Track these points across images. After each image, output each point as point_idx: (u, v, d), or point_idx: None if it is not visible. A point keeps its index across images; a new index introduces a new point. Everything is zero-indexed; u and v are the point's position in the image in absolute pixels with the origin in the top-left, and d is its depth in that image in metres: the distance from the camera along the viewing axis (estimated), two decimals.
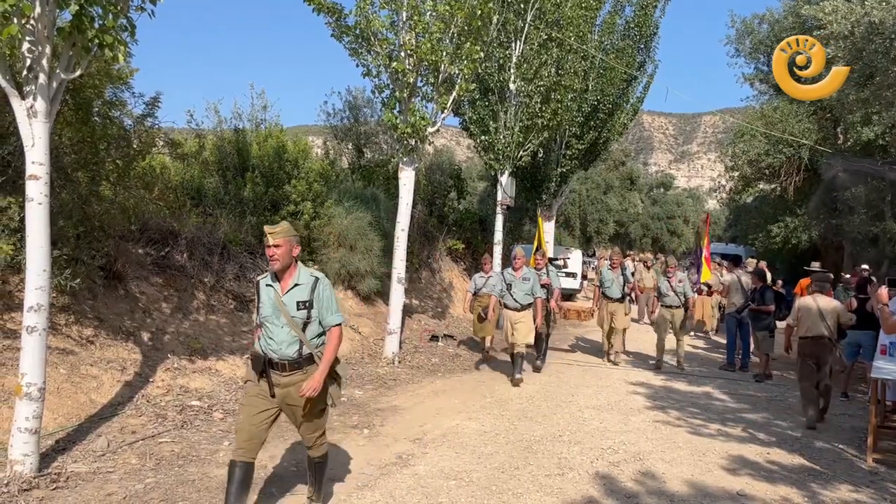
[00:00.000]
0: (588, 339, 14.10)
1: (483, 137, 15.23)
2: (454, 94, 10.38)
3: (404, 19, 9.82)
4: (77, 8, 4.70)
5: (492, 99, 15.14)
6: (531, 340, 9.55)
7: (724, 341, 12.48)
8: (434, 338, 12.52)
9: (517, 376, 9.18)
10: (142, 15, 5.26)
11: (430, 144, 11.43)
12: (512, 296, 9.46)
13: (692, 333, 15.89)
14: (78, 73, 5.06)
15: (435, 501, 4.88)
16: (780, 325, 11.28)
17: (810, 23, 13.66)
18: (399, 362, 10.36)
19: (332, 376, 4.29)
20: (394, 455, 5.92)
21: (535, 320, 9.55)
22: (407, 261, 11.09)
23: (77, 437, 5.74)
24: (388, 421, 7.11)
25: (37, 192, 4.82)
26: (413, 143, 10.34)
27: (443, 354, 11.49)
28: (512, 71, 14.85)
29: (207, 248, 9.77)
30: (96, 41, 4.84)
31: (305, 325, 4.17)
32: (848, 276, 13.13)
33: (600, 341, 12.17)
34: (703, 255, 14.43)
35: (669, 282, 11.33)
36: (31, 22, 4.63)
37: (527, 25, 14.58)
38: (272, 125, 13.71)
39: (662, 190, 49.73)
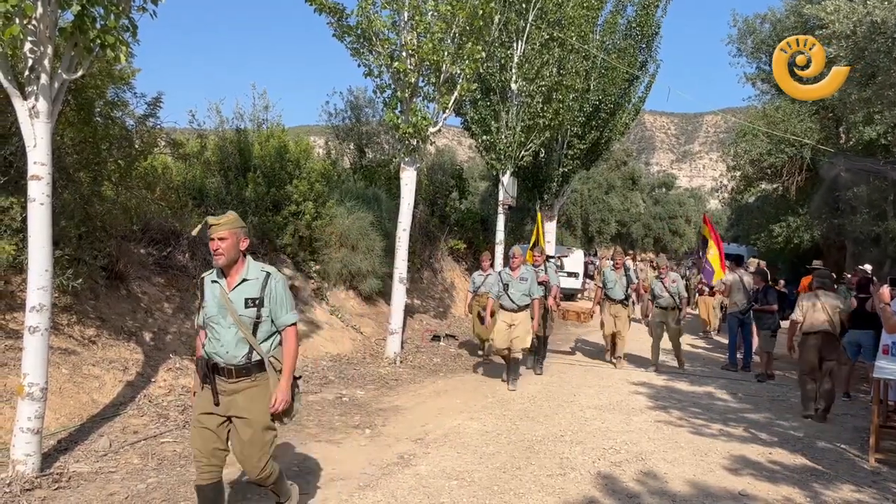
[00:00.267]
0: (589, 341, 13.94)
1: (485, 137, 15.23)
2: (456, 93, 10.38)
3: (406, 19, 9.82)
4: (79, 8, 4.70)
5: (493, 99, 15.14)
6: (528, 344, 9.17)
7: (726, 341, 12.49)
8: (436, 338, 12.53)
9: (510, 385, 8.96)
10: (143, 15, 5.26)
11: (431, 144, 11.44)
12: (509, 296, 9.10)
13: (700, 333, 15.91)
14: (80, 73, 5.06)
15: (437, 501, 4.88)
16: (784, 324, 11.26)
17: (812, 22, 13.66)
18: (401, 362, 10.37)
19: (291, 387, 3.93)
20: (395, 455, 5.92)
21: (533, 320, 9.21)
22: (409, 261, 11.09)
23: (79, 436, 5.74)
24: (390, 421, 7.11)
25: (39, 192, 4.82)
26: (415, 143, 10.34)
27: (444, 354, 11.49)
28: (514, 71, 14.84)
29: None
30: (98, 41, 4.84)
31: (255, 325, 3.82)
32: (849, 275, 13.12)
33: (601, 343, 12.00)
34: (711, 255, 14.34)
35: (662, 282, 11.06)
36: (33, 22, 4.64)
37: (528, 25, 14.57)
38: (274, 125, 13.71)
39: (664, 190, 49.70)
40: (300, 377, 4.04)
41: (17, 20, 4.50)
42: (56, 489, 4.72)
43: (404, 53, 9.84)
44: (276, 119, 14.07)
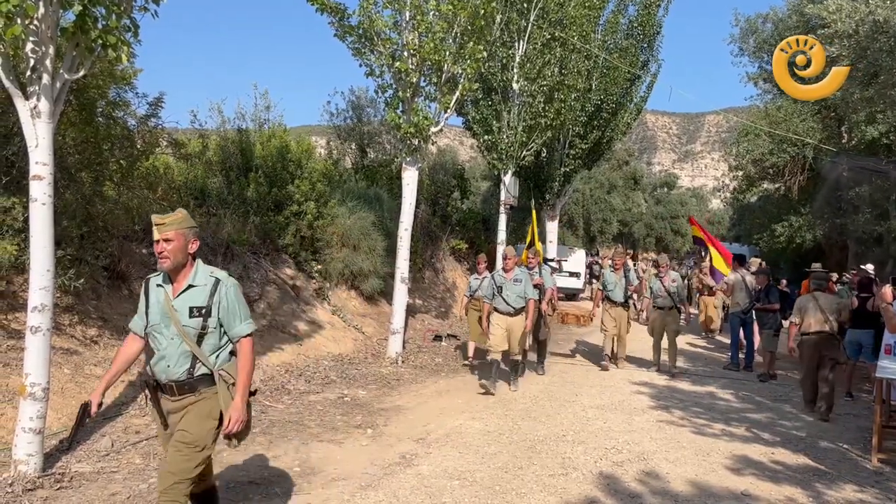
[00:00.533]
0: (589, 343, 13.72)
1: (486, 137, 15.22)
2: (457, 93, 10.38)
3: (407, 19, 9.82)
4: (80, 8, 4.71)
5: (495, 98, 15.13)
6: (526, 345, 9.07)
7: (728, 341, 12.47)
8: (437, 337, 12.53)
9: (512, 387, 8.82)
10: (145, 15, 5.27)
11: (433, 144, 11.44)
12: (503, 299, 8.75)
13: (702, 333, 15.88)
14: (81, 73, 5.07)
15: (438, 501, 4.88)
16: (786, 324, 11.25)
17: (814, 21, 13.62)
18: (402, 362, 10.36)
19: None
20: (397, 455, 5.92)
21: (528, 322, 8.91)
22: (410, 261, 11.10)
23: (81, 436, 5.74)
24: (392, 421, 7.11)
25: (40, 192, 4.83)
26: (416, 142, 10.34)
27: (446, 354, 11.48)
28: (515, 70, 14.83)
29: (211, 248, 9.78)
30: (100, 41, 4.85)
31: (201, 336, 3.44)
32: (850, 275, 13.10)
33: (600, 345, 11.46)
34: (714, 259, 14.28)
35: (661, 281, 10.79)
36: (35, 22, 4.64)
37: (530, 25, 14.56)
38: (275, 125, 13.74)
39: (666, 189, 49.74)
40: (256, 392, 3.70)
41: (19, 20, 4.50)
42: (58, 489, 4.73)
43: (406, 53, 9.84)
44: (278, 119, 14.12)
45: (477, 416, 7.43)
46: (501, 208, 15.46)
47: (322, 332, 10.70)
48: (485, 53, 10.34)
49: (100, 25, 4.86)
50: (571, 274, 22.03)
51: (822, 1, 10.77)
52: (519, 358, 9.01)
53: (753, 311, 11.32)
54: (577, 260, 22.60)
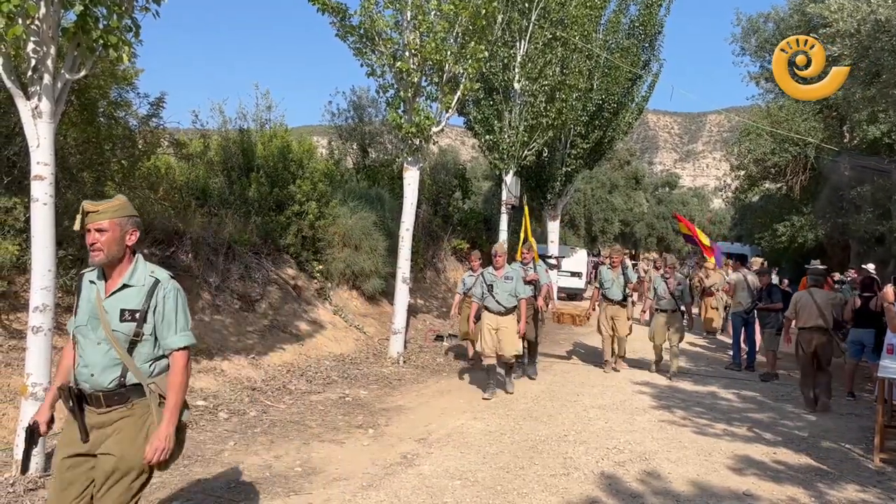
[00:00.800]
0: (586, 344, 13.41)
1: (488, 137, 15.22)
2: (459, 93, 10.38)
3: (409, 19, 9.82)
4: (81, 8, 4.71)
5: (496, 98, 15.12)
6: (520, 349, 8.66)
7: (730, 341, 12.45)
8: (439, 337, 12.52)
9: (509, 389, 8.52)
10: (146, 15, 5.26)
11: (434, 144, 11.44)
12: (494, 297, 8.38)
13: (703, 333, 15.85)
14: (83, 73, 5.07)
15: (440, 501, 4.88)
16: None
17: (816, 21, 13.60)
18: (404, 362, 10.36)
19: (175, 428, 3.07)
20: (399, 455, 5.92)
21: (520, 322, 8.52)
22: (412, 260, 11.09)
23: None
24: (393, 421, 7.10)
25: (42, 192, 4.83)
26: (417, 142, 10.34)
27: (447, 354, 11.48)
28: (516, 70, 14.83)
29: (212, 248, 9.78)
30: (101, 41, 4.85)
31: (133, 344, 3.00)
32: (851, 274, 13.09)
33: (599, 346, 11.26)
34: (705, 246, 14.24)
35: (667, 283, 10.46)
36: (36, 22, 4.64)
37: (531, 24, 14.56)
38: (277, 125, 13.74)
39: (668, 189, 49.73)
40: (187, 409, 3.23)
41: (20, 20, 4.50)
42: None
43: (407, 53, 9.84)
44: (280, 119, 14.14)
45: (478, 416, 7.43)
46: (503, 208, 15.46)
47: (323, 331, 10.70)
48: (486, 53, 10.33)
49: (101, 25, 4.86)
50: (573, 274, 22.04)
51: (824, 0, 10.76)
52: (513, 362, 8.60)
53: (755, 311, 11.31)
54: (579, 260, 22.59)
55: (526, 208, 12.31)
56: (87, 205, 3.00)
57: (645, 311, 11.10)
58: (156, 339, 3.06)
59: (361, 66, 10.13)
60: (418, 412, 7.53)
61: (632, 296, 10.94)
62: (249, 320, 9.63)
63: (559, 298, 20.41)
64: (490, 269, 8.59)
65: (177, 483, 4.98)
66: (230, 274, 9.92)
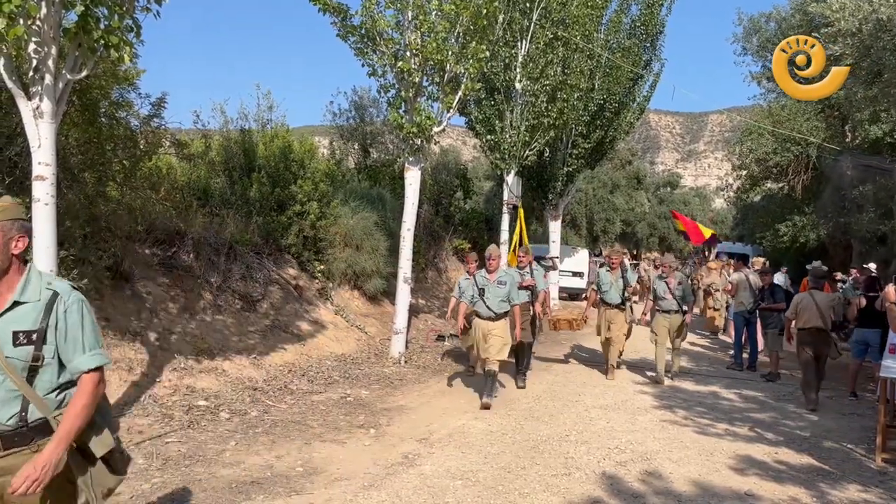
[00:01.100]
0: (584, 347, 13.00)
1: (489, 137, 15.21)
2: (460, 93, 10.37)
3: (410, 19, 9.82)
4: (83, 9, 4.72)
5: (498, 98, 15.12)
6: (504, 356, 8.05)
7: (732, 340, 12.44)
8: (440, 337, 12.51)
9: (485, 399, 7.76)
10: (147, 15, 5.27)
11: (435, 144, 11.43)
12: (484, 302, 7.94)
13: (705, 333, 15.84)
14: (84, 73, 5.08)
15: (441, 501, 4.88)
16: None
17: (818, 20, 13.60)
18: (405, 362, 10.36)
19: (84, 457, 2.62)
20: (400, 455, 5.92)
21: (513, 330, 8.14)
22: (413, 260, 11.09)
23: None
24: (395, 421, 7.10)
25: (43, 192, 4.84)
26: (419, 142, 10.34)
27: (449, 354, 11.47)
28: (518, 70, 14.81)
29: (214, 248, 9.79)
30: (102, 42, 4.86)
31: (33, 371, 2.52)
32: (852, 274, 13.07)
33: (597, 349, 10.97)
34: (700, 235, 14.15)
35: (667, 283, 10.00)
36: (38, 23, 4.65)
37: (532, 24, 14.55)
38: (278, 125, 13.74)
39: (669, 189, 49.68)
40: (112, 435, 2.74)
41: (22, 21, 4.51)
42: None
43: (408, 53, 9.84)
44: (281, 119, 14.14)
45: (480, 415, 7.43)
46: (504, 208, 15.44)
47: (325, 332, 10.71)
48: (487, 53, 10.32)
49: (102, 26, 4.87)
50: (574, 274, 22.04)
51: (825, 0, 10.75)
52: (495, 368, 7.97)
53: (758, 311, 11.30)
54: (581, 260, 22.58)
55: (521, 209, 12.07)
56: None
57: (646, 314, 10.59)
58: (60, 362, 2.58)
59: (363, 66, 10.14)
60: (420, 412, 7.53)
61: (631, 300, 10.30)
62: (251, 320, 9.63)
63: (560, 298, 20.40)
64: (483, 272, 8.15)
65: (178, 483, 4.98)
66: (232, 274, 9.92)
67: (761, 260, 14.54)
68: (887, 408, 6.56)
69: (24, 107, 4.79)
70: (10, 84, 4.74)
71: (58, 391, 2.60)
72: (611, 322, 9.92)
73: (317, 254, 12.14)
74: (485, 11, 9.73)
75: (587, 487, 5.28)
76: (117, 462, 2.73)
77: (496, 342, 7.89)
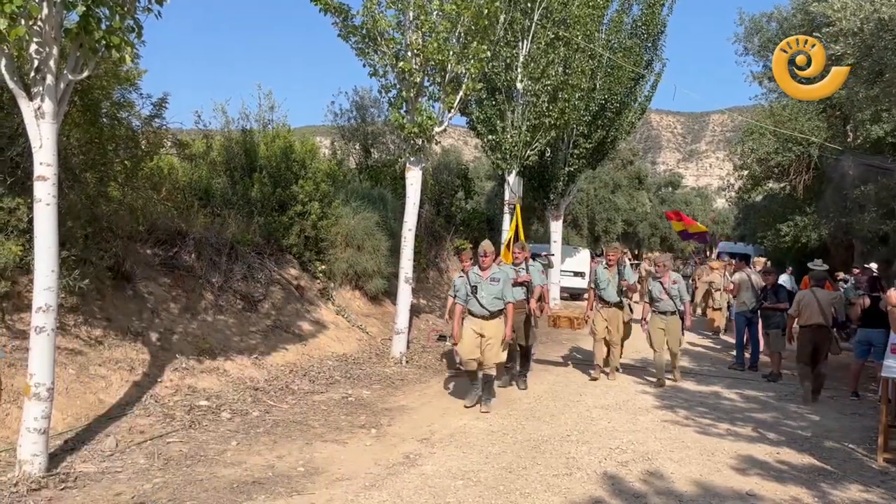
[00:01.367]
0: (584, 349, 12.58)
1: (490, 137, 15.21)
2: (461, 93, 10.37)
3: (411, 19, 9.82)
4: (84, 9, 4.71)
5: (499, 98, 15.12)
6: (503, 359, 7.88)
7: (733, 340, 12.42)
8: (442, 337, 12.50)
9: (482, 408, 7.64)
10: (149, 16, 5.27)
11: (437, 144, 11.41)
12: (478, 300, 7.62)
13: (706, 333, 15.83)
14: (85, 74, 5.08)
15: (442, 501, 4.88)
16: None
17: (819, 20, 13.58)
18: (407, 362, 10.36)
19: None
20: (401, 455, 5.92)
21: (506, 330, 7.72)
22: (414, 260, 11.09)
23: (86, 436, 5.76)
24: (396, 420, 7.11)
25: (45, 193, 4.84)
26: (420, 142, 10.34)
27: (450, 354, 11.47)
28: (519, 70, 14.82)
29: (215, 248, 9.79)
30: (103, 42, 4.85)
31: None
32: (854, 274, 13.04)
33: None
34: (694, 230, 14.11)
35: (661, 283, 9.64)
36: (39, 23, 4.65)
37: (534, 24, 14.55)
38: (280, 126, 13.74)
39: (671, 189, 49.67)
40: None
41: (23, 21, 4.51)
42: (62, 489, 4.73)
43: (409, 53, 9.84)
44: (282, 119, 14.12)
45: (481, 415, 7.43)
46: (506, 208, 15.45)
47: (326, 332, 10.71)
48: (488, 53, 10.32)
49: (103, 26, 4.87)
50: (576, 273, 22.04)
51: None
52: (493, 373, 7.88)
53: (759, 311, 11.28)
54: (582, 259, 22.59)
55: (517, 206, 12.02)
56: None
57: (645, 318, 10.03)
58: None
59: (364, 66, 10.15)
60: (421, 412, 7.53)
61: (629, 297, 10.14)
62: (252, 320, 9.64)
63: (562, 298, 20.40)
64: (476, 269, 7.85)
65: (179, 483, 4.99)
66: (233, 274, 9.93)
67: (763, 260, 14.55)
68: (889, 408, 6.56)
69: (26, 107, 4.79)
70: (11, 84, 4.74)
71: None
72: (609, 321, 9.65)
73: (318, 254, 12.14)
74: (486, 11, 9.73)
75: (588, 487, 5.28)
76: None
77: (493, 342, 7.62)
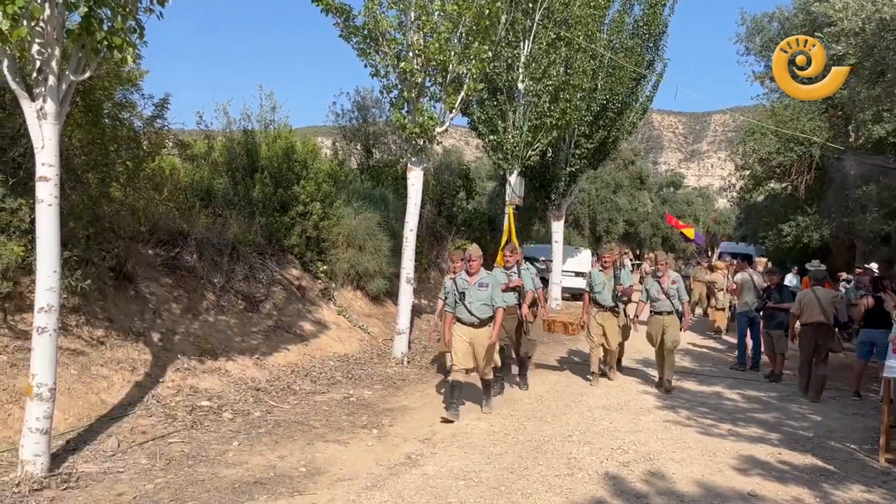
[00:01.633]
0: (581, 353, 12.29)
1: (492, 137, 15.21)
2: (462, 93, 10.38)
3: (412, 19, 9.82)
4: (86, 10, 4.72)
5: (500, 98, 15.11)
6: (499, 361, 7.76)
7: (735, 341, 12.42)
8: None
9: (484, 409, 7.62)
10: (150, 17, 5.27)
11: (438, 144, 11.43)
12: (466, 307, 7.25)
13: (707, 333, 15.81)
14: (87, 74, 5.08)
15: (444, 501, 4.88)
16: None
17: (821, 20, 13.57)
18: (408, 362, 10.36)
19: None
20: (403, 455, 5.92)
21: (493, 332, 7.30)
22: (416, 261, 11.10)
23: (88, 437, 5.77)
24: (397, 421, 7.11)
25: (47, 193, 4.84)
26: (421, 143, 10.34)
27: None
28: (520, 70, 14.82)
29: (217, 248, 9.80)
30: (105, 43, 4.86)
31: None
32: (855, 273, 13.02)
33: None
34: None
35: (660, 283, 9.37)
36: (41, 24, 4.66)
37: (535, 24, 14.55)
38: (281, 126, 13.74)
39: (672, 189, 49.71)
40: None
41: (25, 22, 4.52)
42: (64, 489, 4.74)
43: (411, 53, 9.85)
44: (284, 120, 14.11)
45: (482, 416, 7.43)
46: (507, 208, 15.44)
47: (327, 332, 10.72)
48: (490, 53, 10.33)
49: (105, 27, 4.87)
50: (577, 274, 22.04)
51: None
52: (490, 377, 7.67)
53: (762, 311, 11.27)
54: (583, 260, 22.58)
55: (510, 208, 11.86)
56: None
57: (638, 315, 9.71)
58: None
59: (365, 66, 10.16)
60: (422, 412, 7.53)
61: (626, 301, 9.76)
62: (254, 321, 9.64)
63: (564, 299, 20.39)
64: (463, 274, 7.45)
65: (181, 484, 4.99)
66: (234, 274, 9.94)
67: (764, 260, 14.54)
68: (891, 408, 6.55)
69: (28, 108, 4.80)
70: (13, 85, 4.75)
71: None
72: (604, 325, 9.35)
73: (320, 254, 12.15)
74: (487, 12, 9.74)
75: (590, 488, 5.28)
76: None
77: (485, 355, 7.33)
